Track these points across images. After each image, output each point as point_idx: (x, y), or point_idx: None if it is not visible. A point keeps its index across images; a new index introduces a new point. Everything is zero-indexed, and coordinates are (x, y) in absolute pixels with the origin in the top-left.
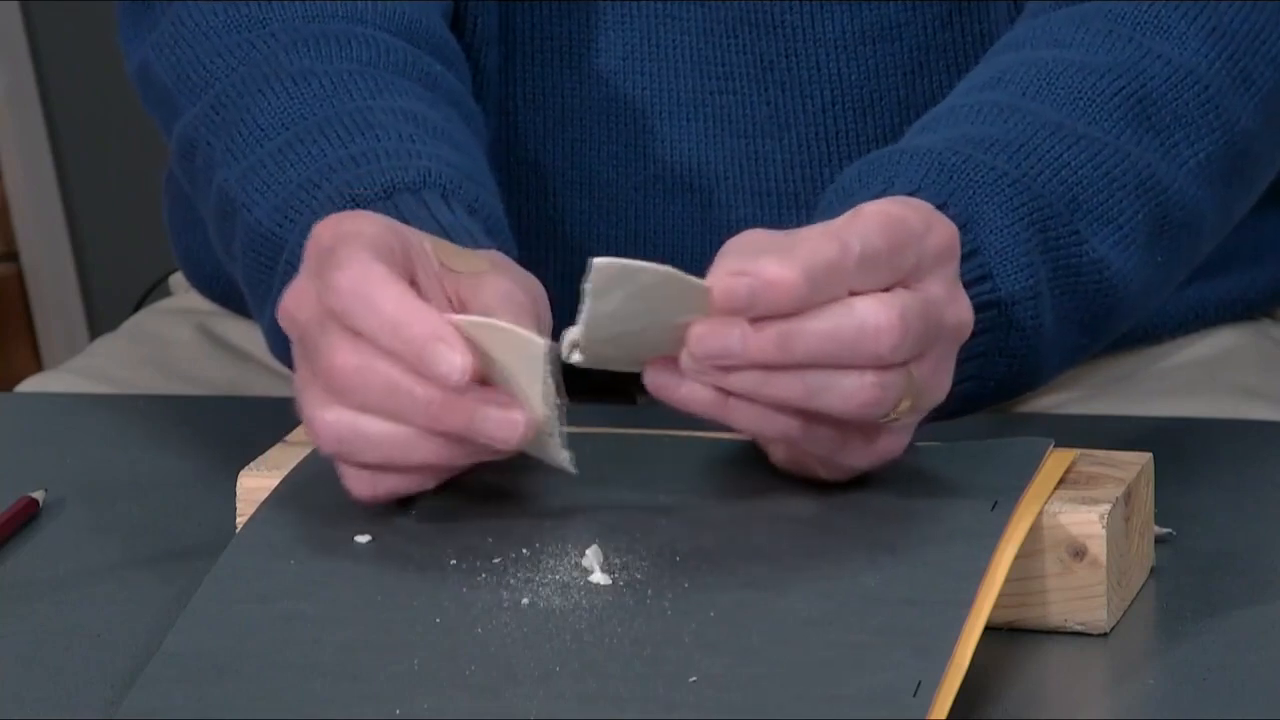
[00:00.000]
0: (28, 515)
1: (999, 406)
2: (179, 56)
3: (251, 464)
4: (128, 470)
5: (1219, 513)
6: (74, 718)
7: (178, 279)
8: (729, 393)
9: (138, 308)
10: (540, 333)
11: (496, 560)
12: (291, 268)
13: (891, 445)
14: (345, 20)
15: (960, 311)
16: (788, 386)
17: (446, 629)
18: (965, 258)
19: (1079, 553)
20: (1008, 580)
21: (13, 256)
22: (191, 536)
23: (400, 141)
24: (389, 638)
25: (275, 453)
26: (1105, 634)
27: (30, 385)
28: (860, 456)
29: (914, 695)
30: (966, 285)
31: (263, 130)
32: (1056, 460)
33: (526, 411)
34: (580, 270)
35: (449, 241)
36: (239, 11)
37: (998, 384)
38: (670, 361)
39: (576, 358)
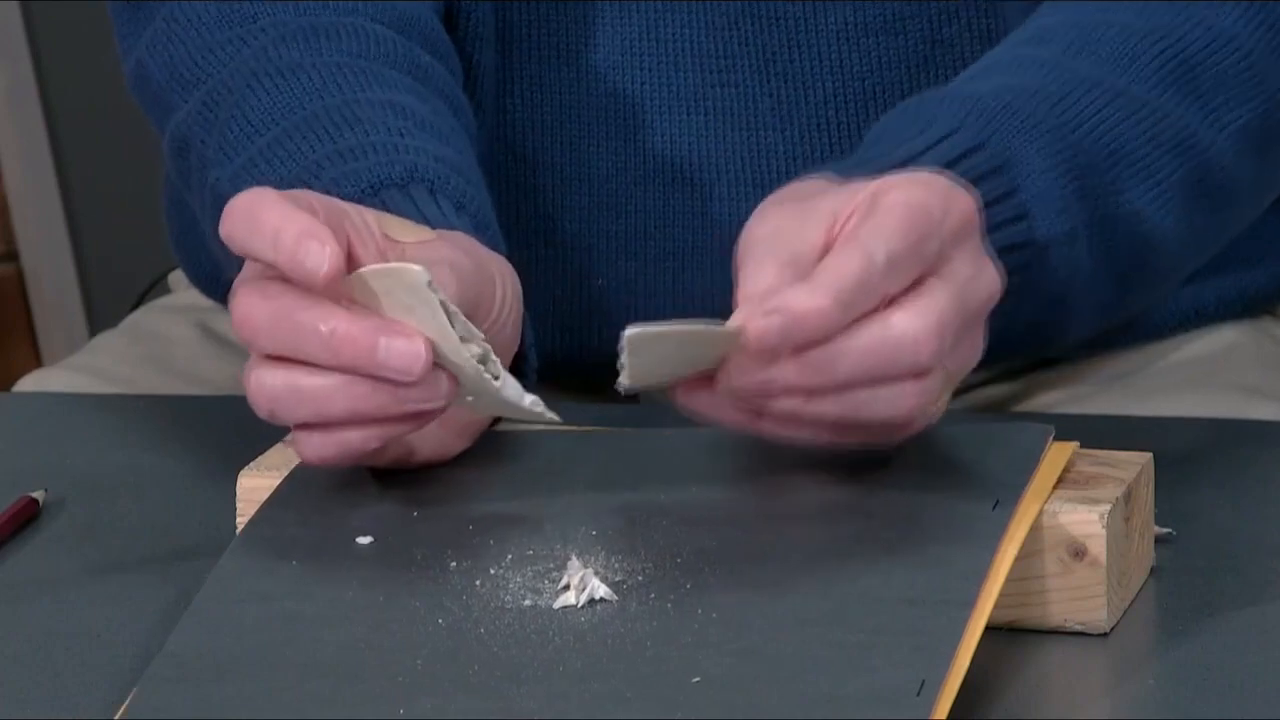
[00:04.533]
0: (28, 515)
1: (1000, 399)
2: (171, 54)
3: (251, 464)
4: (128, 470)
5: (1219, 513)
6: (74, 718)
7: (177, 276)
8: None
9: (137, 305)
10: (493, 308)
11: (498, 562)
12: None
13: (927, 423)
14: (336, 13)
15: (988, 282)
16: (829, 406)
17: (448, 630)
18: (1002, 198)
19: (1079, 553)
20: (1008, 580)
21: (13, 256)
22: (191, 536)
23: (388, 135)
24: (391, 639)
25: (275, 453)
26: (1105, 634)
27: (29, 382)
28: (897, 439)
29: (917, 695)
30: (1002, 225)
31: (253, 126)
32: (1057, 453)
33: (429, 343)
34: (579, 268)
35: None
36: (230, 8)
37: (1026, 326)
38: (702, 384)
39: (623, 389)
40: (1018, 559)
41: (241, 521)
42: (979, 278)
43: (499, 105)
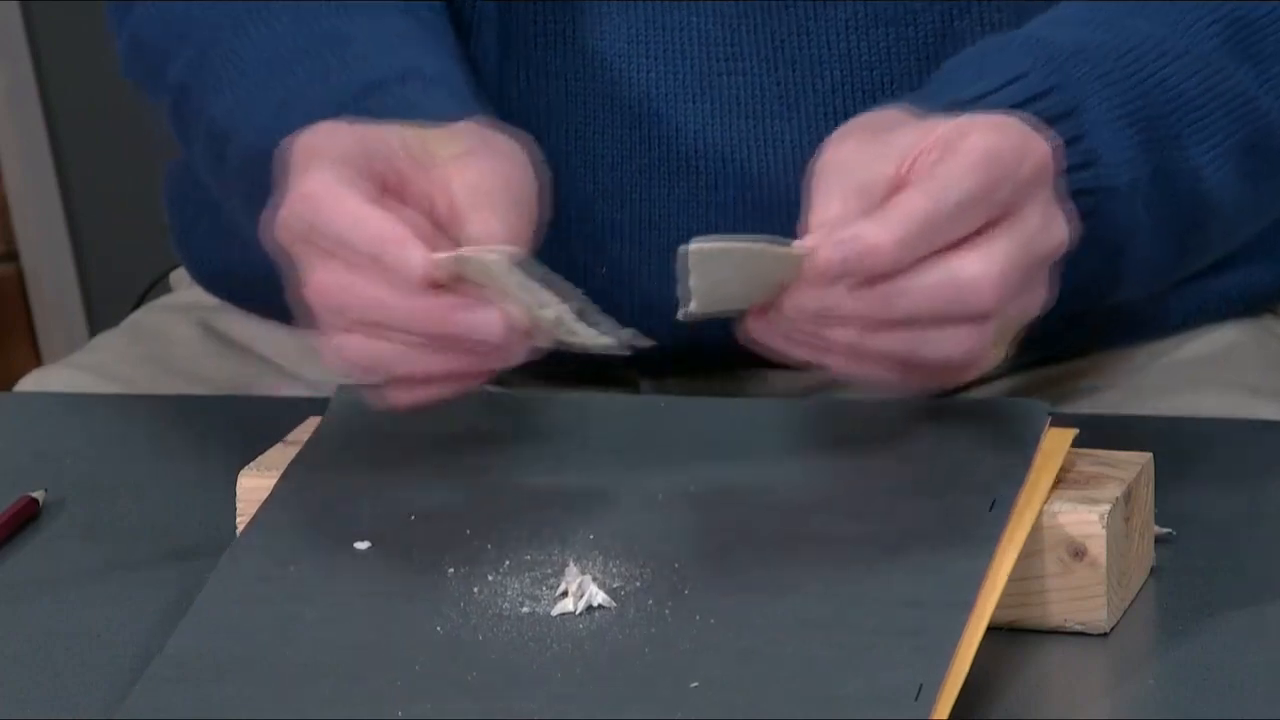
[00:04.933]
0: (28, 515)
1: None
2: (165, 13)
3: (251, 464)
4: (128, 470)
5: (1219, 513)
6: (74, 718)
7: (179, 275)
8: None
9: (138, 305)
10: (536, 196)
11: (496, 568)
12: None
13: (985, 368)
14: None
15: (1056, 233)
16: (887, 342)
17: (447, 636)
18: (1069, 143)
19: (1079, 553)
20: (1008, 580)
21: (13, 256)
22: (191, 536)
23: (376, 46)
24: (389, 644)
25: (275, 453)
26: (1105, 634)
27: (31, 381)
28: (954, 382)
29: (916, 698)
30: (1069, 170)
31: (245, 61)
32: (1055, 440)
33: (509, 313)
34: (582, 256)
35: (421, 125)
36: None
37: (1080, 279)
38: (761, 314)
39: (686, 316)
40: (1018, 559)
41: (241, 521)
42: (1048, 228)
43: (501, 93)
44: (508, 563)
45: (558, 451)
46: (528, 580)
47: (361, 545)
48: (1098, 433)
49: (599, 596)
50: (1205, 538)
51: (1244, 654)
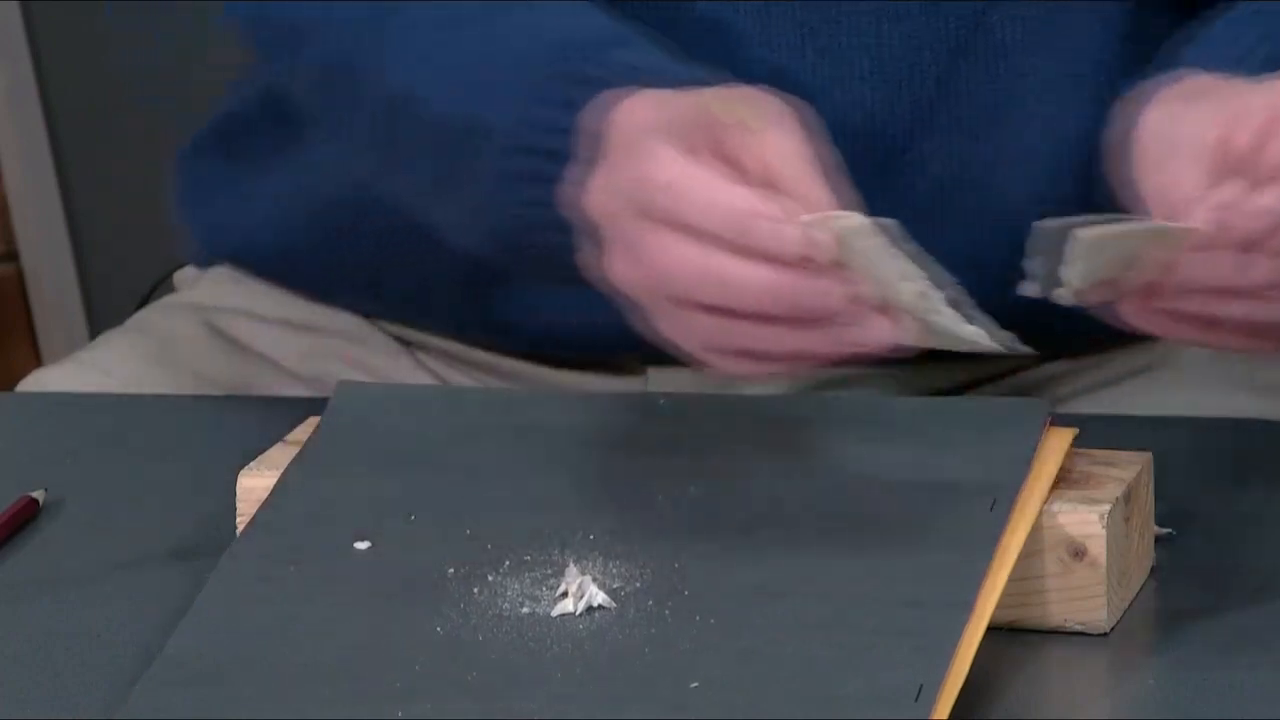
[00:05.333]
0: (28, 515)
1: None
2: None
3: (251, 464)
4: (128, 470)
5: (1219, 513)
6: (74, 718)
7: (182, 275)
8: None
9: (142, 305)
10: (834, 183)
11: (495, 569)
12: (516, 150)
13: None
14: None
15: None
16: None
17: (447, 637)
18: None
19: (1079, 553)
20: (1008, 580)
21: (13, 256)
22: (191, 537)
23: (559, 9)
24: (389, 644)
25: (275, 453)
26: (1105, 634)
27: (34, 380)
28: None
29: (916, 698)
30: None
31: (421, 29)
32: (1055, 439)
33: (888, 306)
34: None
35: (707, 91)
36: None
37: None
38: (1145, 294)
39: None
40: (1018, 559)
41: (242, 521)
42: None
43: None
44: (508, 563)
45: (557, 451)
46: (528, 581)
47: (361, 545)
48: (1098, 433)
49: (599, 597)
50: (1205, 538)
51: (1244, 654)
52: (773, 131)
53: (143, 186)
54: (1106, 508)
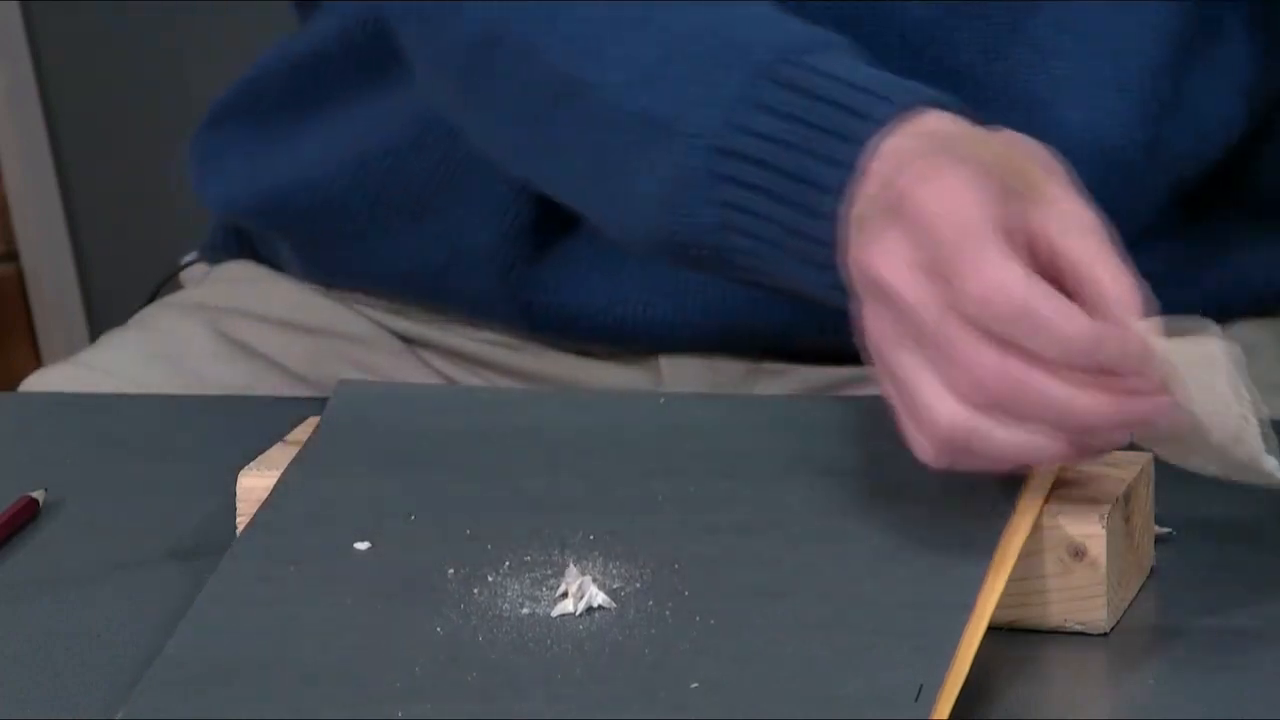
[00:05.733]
0: (28, 515)
1: None
2: None
3: (251, 464)
4: (128, 470)
5: (1219, 513)
6: (74, 718)
7: (190, 274)
8: None
9: (147, 304)
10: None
11: (495, 569)
12: (715, 151)
13: None
14: None
15: None
16: None
17: (447, 638)
18: None
19: (1079, 553)
20: (1008, 580)
21: (13, 256)
22: (191, 536)
23: (750, 13)
24: (389, 646)
25: (275, 452)
26: (1105, 634)
27: (36, 380)
28: None
29: (916, 698)
30: None
31: (588, 14)
32: None
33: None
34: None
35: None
36: None
37: None
38: None
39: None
40: (1018, 559)
41: (242, 522)
42: None
43: None
44: (508, 563)
45: (558, 451)
46: (528, 581)
47: (361, 545)
48: None
49: (599, 597)
50: (1205, 538)
51: (1244, 654)
52: (1064, 203)
53: (143, 186)
54: (1106, 508)
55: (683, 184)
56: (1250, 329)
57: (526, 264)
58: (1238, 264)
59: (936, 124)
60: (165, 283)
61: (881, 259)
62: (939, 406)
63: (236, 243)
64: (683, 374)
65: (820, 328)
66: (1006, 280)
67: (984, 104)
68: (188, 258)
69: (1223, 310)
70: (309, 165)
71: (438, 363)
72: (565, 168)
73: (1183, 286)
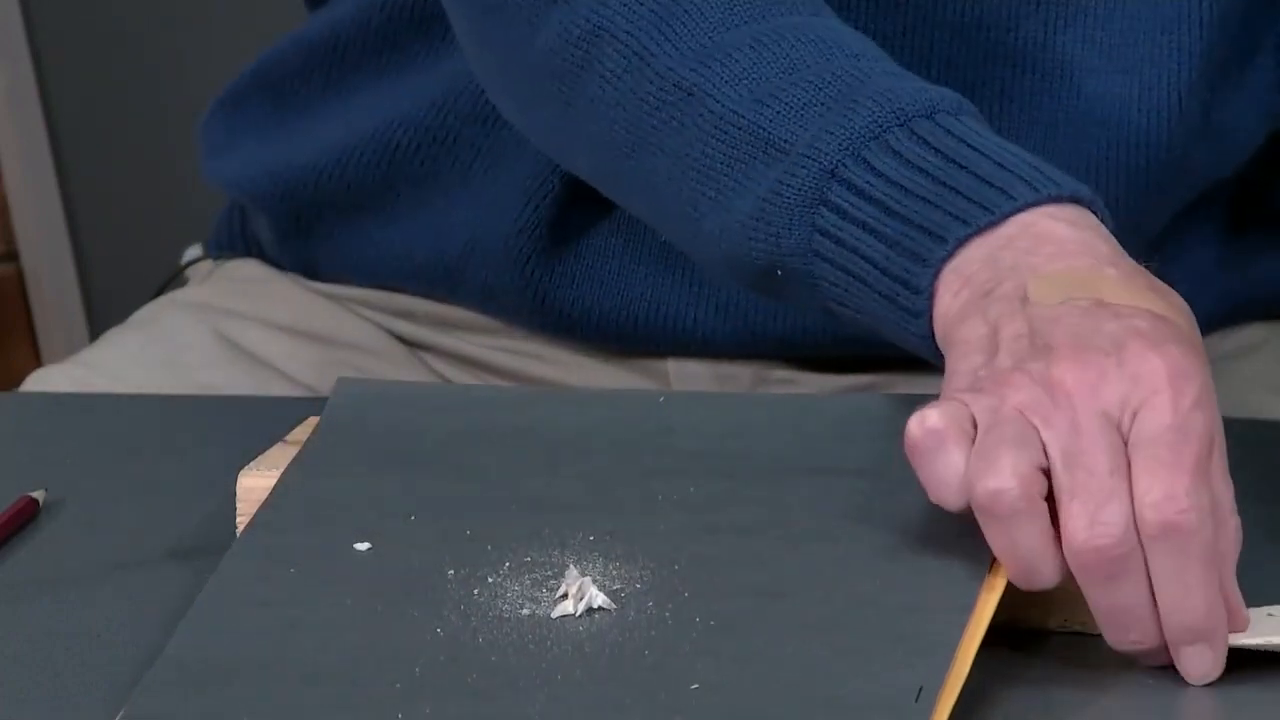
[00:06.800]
0: (28, 515)
1: None
2: None
3: (251, 464)
4: (128, 470)
5: None
6: (74, 719)
7: (196, 270)
8: None
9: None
10: None
11: (495, 570)
12: (824, 174)
13: None
14: None
15: None
16: None
17: (447, 639)
18: None
19: None
20: (1008, 580)
21: (13, 256)
22: (191, 536)
23: (859, 60)
24: (390, 647)
25: (275, 452)
26: None
27: (33, 381)
28: None
29: (916, 700)
30: None
31: (710, 23)
32: None
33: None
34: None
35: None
36: None
37: None
38: None
39: None
40: None
41: (242, 522)
42: None
43: None
44: (508, 564)
45: (557, 451)
46: (528, 582)
47: (361, 546)
48: None
49: (599, 598)
50: None
51: (1243, 653)
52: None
53: (142, 186)
54: None
55: (781, 202)
56: (1258, 330)
57: (543, 257)
58: (1242, 265)
59: (1075, 222)
60: (169, 283)
61: (958, 319)
62: (997, 485)
63: (243, 241)
64: (690, 381)
65: (834, 336)
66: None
67: (1009, 116)
68: (190, 252)
69: (1236, 311)
70: (325, 149)
71: (442, 368)
72: (658, 177)
73: (1208, 294)
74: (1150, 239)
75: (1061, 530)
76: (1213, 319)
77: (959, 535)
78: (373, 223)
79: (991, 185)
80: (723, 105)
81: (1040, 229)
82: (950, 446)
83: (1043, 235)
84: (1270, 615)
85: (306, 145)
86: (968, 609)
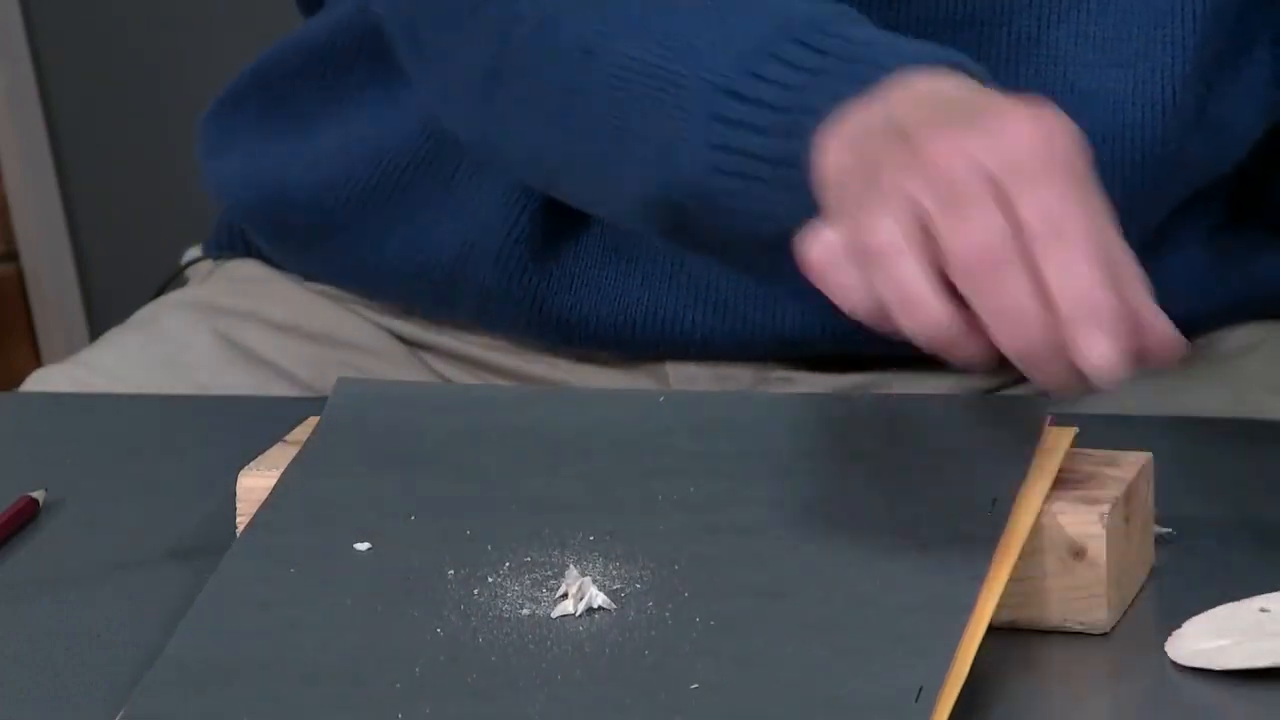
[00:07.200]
0: (28, 515)
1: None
2: None
3: (251, 464)
4: (128, 470)
5: (1219, 513)
6: (74, 719)
7: (196, 269)
8: None
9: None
10: None
11: (495, 570)
12: (728, 94)
13: None
14: None
15: None
16: None
17: (447, 639)
18: None
19: (1079, 552)
20: (1008, 580)
21: (13, 256)
22: (191, 536)
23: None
24: (390, 647)
25: (275, 452)
26: (1105, 634)
27: (33, 381)
28: None
29: (916, 699)
30: None
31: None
32: (1056, 438)
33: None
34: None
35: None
36: None
37: None
38: None
39: None
40: (1018, 559)
41: (241, 522)
42: None
43: None
44: (508, 564)
45: (557, 451)
46: (528, 582)
47: (361, 546)
48: (1098, 433)
49: (599, 598)
50: (1205, 538)
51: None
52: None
53: (142, 186)
54: (1106, 508)
55: (679, 133)
56: (1258, 330)
57: (539, 262)
58: (1241, 263)
59: (951, 82)
60: (169, 283)
61: (942, 144)
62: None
63: (243, 241)
64: (690, 384)
65: (833, 336)
66: (1072, 199)
67: None
68: (190, 252)
69: (1233, 310)
70: (321, 155)
71: (442, 367)
72: (586, 133)
73: (1205, 292)
74: (1147, 235)
75: (939, 242)
76: (1210, 317)
77: (959, 535)
78: (367, 235)
79: (864, 62)
80: (622, 57)
81: (917, 87)
82: (844, 262)
83: (919, 91)
84: (1264, 610)
85: (300, 154)
86: (968, 609)
